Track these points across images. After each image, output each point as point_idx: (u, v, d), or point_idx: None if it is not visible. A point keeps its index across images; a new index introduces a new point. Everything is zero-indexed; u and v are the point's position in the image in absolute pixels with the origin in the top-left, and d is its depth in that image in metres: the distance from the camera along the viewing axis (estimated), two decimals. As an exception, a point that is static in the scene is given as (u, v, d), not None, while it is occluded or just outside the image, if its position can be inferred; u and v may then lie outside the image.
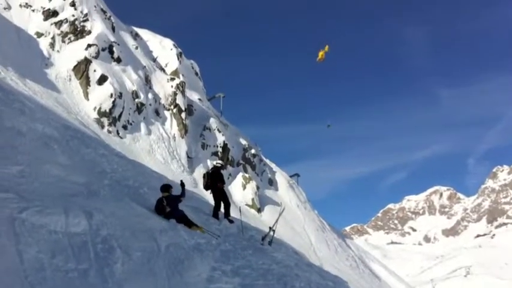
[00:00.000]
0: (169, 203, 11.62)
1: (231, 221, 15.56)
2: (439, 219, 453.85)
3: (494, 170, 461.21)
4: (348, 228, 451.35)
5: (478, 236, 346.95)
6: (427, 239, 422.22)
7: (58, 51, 49.26)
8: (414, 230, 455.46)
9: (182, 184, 12.67)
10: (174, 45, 73.52)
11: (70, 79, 46.82)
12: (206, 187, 16.09)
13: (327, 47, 51.28)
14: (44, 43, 48.68)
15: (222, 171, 16.42)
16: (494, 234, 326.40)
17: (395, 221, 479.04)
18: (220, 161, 17.06)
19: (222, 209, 16.17)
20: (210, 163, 53.26)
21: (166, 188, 12.06)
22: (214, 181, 15.82)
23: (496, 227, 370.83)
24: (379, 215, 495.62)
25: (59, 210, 6.50)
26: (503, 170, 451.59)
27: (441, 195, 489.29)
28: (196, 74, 78.56)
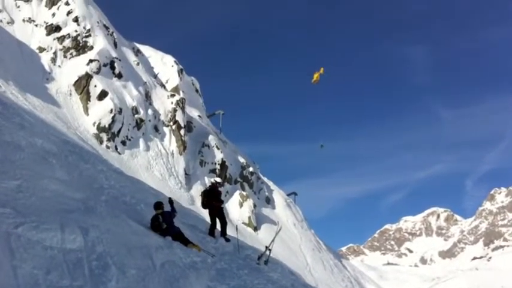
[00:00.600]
0: (165, 219, 11.65)
1: (227, 240, 15.49)
2: (436, 241, 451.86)
3: (492, 192, 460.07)
4: (344, 249, 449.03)
5: (474, 258, 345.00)
6: (423, 261, 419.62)
7: (59, 66, 49.48)
8: (411, 251, 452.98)
9: (171, 201, 12.67)
10: (175, 61, 73.84)
11: (70, 94, 46.95)
12: (203, 205, 16.02)
13: (322, 69, 52.02)
14: (45, 58, 48.92)
15: (219, 189, 16.34)
16: (490, 257, 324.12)
17: (392, 242, 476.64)
18: (218, 179, 16.98)
19: (219, 227, 16.09)
20: (208, 180, 53.18)
21: (159, 205, 12.09)
22: (211, 199, 15.76)
23: (493, 250, 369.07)
24: (376, 235, 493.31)
25: (55, 226, 6.51)
26: (500, 192, 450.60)
27: (438, 216, 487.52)
28: (197, 90, 78.78)
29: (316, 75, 52.48)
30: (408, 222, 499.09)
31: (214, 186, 16.21)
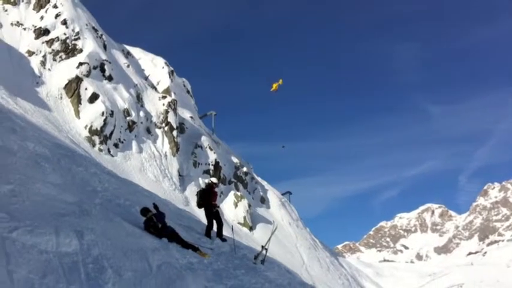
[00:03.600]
0: (159, 219, 11.66)
1: (223, 240, 15.44)
2: (431, 237, 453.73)
3: (485, 187, 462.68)
4: (340, 246, 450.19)
5: (469, 253, 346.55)
6: (419, 257, 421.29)
7: (49, 69, 49.23)
8: (406, 248, 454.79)
9: (155, 206, 12.61)
10: (165, 63, 73.71)
11: (61, 97, 46.74)
12: (199, 205, 15.95)
13: (281, 80, 54.25)
14: (35, 61, 48.66)
15: (215, 189, 16.26)
16: (485, 252, 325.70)
17: (388, 239, 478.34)
18: (214, 179, 16.88)
19: (215, 228, 16.02)
20: (202, 181, 53.15)
21: (146, 210, 12.03)
22: (207, 199, 15.70)
23: (488, 245, 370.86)
24: (371, 232, 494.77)
25: (50, 230, 6.45)
26: (494, 188, 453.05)
27: (433, 212, 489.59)
28: (188, 92, 78.72)
29: (275, 85, 54.89)
30: (403, 219, 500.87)
31: (210, 187, 16.14)
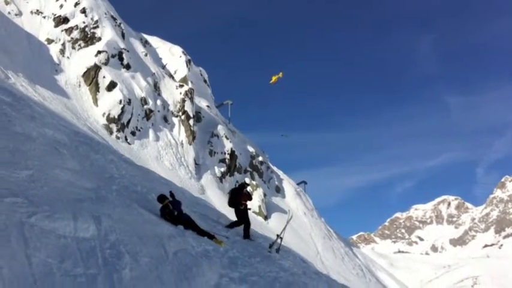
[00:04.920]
0: (175, 207, 11.72)
1: (248, 239, 15.23)
2: (447, 229, 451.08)
3: (502, 179, 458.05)
4: (354, 237, 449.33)
5: (485, 246, 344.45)
6: (434, 249, 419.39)
7: (68, 57, 49.60)
8: (421, 239, 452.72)
9: (172, 194, 12.65)
10: (183, 52, 73.87)
11: (80, 85, 47.11)
12: (229, 204, 15.83)
13: (281, 73, 55.29)
14: (54, 49, 49.05)
15: (246, 190, 16.03)
16: (502, 245, 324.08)
17: (403, 230, 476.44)
18: (247, 179, 16.72)
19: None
20: (218, 170, 53.37)
21: (163, 197, 12.10)
22: (238, 199, 15.56)
23: (504, 237, 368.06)
24: (386, 223, 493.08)
25: (68, 215, 6.52)
26: (511, 180, 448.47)
27: (449, 204, 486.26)
28: (205, 81, 78.82)
29: (274, 78, 56.16)
30: (419, 210, 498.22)
31: (241, 187, 15.96)
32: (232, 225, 15.67)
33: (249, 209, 15.87)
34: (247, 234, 15.34)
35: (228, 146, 58.39)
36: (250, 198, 15.87)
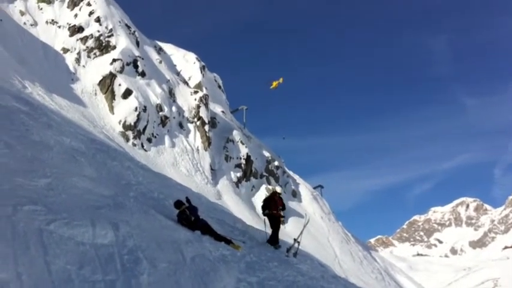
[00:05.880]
0: (192, 212, 11.78)
1: (276, 248, 15.06)
2: (466, 231, 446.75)
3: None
4: (372, 240, 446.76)
5: (505, 247, 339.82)
6: (453, 251, 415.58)
7: (84, 66, 50.08)
8: (440, 242, 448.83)
9: (188, 200, 12.67)
10: (197, 58, 74.17)
11: (95, 93, 47.51)
12: (263, 213, 15.69)
13: (281, 79, 56.13)
14: (70, 58, 49.57)
15: (277, 198, 15.80)
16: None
17: (421, 233, 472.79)
18: (278, 188, 16.49)
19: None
20: (234, 175, 53.48)
21: (180, 203, 12.14)
22: (270, 207, 15.43)
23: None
24: (405, 226, 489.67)
25: (86, 222, 6.57)
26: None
27: (468, 206, 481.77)
28: (219, 86, 79.04)
29: (275, 83, 57.04)
30: (437, 212, 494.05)
31: (273, 195, 15.81)
32: (272, 240, 15.34)
33: (283, 216, 15.67)
34: (276, 240, 15.16)
35: (244, 151, 58.46)
36: (283, 206, 15.65)
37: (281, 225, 15.40)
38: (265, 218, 16.05)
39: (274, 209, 15.26)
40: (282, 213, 15.45)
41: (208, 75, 76.26)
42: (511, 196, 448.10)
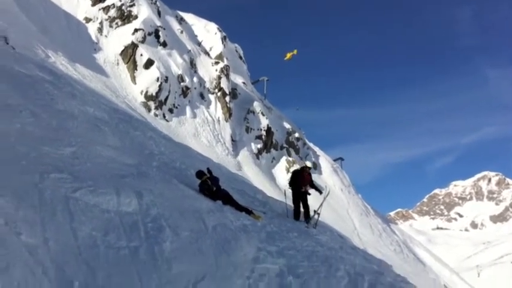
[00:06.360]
0: (213, 182, 11.90)
1: (308, 222, 15.03)
2: (487, 205, 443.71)
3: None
4: (392, 213, 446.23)
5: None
6: (474, 225, 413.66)
7: (106, 36, 50.16)
8: (461, 216, 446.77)
9: (209, 171, 12.75)
10: (218, 29, 73.74)
11: (118, 63, 47.67)
12: (289, 185, 15.55)
13: (295, 50, 56.18)
14: (92, 28, 49.63)
15: (307, 173, 15.55)
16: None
17: (442, 207, 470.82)
18: (308, 163, 16.24)
19: (302, 209, 15.60)
20: (254, 146, 53.63)
21: (201, 173, 12.24)
22: (297, 181, 15.25)
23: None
24: (425, 200, 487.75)
25: (111, 190, 6.71)
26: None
27: (489, 180, 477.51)
28: (240, 57, 78.64)
29: (289, 55, 56.95)
30: (458, 186, 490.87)
31: (302, 170, 15.60)
32: (296, 213, 15.09)
33: (309, 194, 15.52)
34: (306, 214, 15.12)
35: (264, 122, 58.43)
36: (311, 183, 15.28)
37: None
38: (286, 190, 16.02)
39: (303, 184, 15.12)
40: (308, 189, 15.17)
41: (230, 46, 75.87)
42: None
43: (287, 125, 64.24)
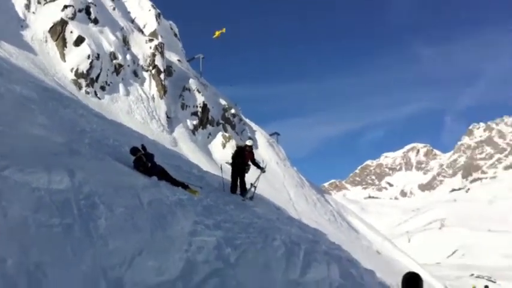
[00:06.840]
0: (148, 159, 11.86)
1: (244, 195, 15.32)
2: (416, 175, 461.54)
3: (470, 127, 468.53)
4: (326, 184, 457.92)
5: (453, 190, 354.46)
6: (403, 194, 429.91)
7: (34, 12, 48.16)
8: (391, 185, 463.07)
9: (143, 147, 12.72)
10: (152, 5, 72.36)
11: (46, 41, 46.00)
12: (232, 159, 15.83)
13: (224, 29, 57.92)
14: (19, 4, 47.51)
15: (247, 151, 15.87)
16: (469, 189, 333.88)
17: (373, 177, 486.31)
18: (249, 142, 16.50)
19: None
20: (190, 123, 53.46)
21: (136, 150, 12.19)
22: (239, 158, 15.57)
23: (471, 182, 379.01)
24: (357, 171, 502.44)
25: (41, 168, 6.55)
26: (479, 128, 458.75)
27: (418, 151, 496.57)
28: (175, 35, 77.56)
29: (217, 33, 58.53)
30: (388, 158, 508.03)
31: (243, 148, 15.95)
32: (234, 188, 15.57)
33: (248, 165, 15.90)
34: (243, 188, 15.46)
35: (200, 99, 58.16)
36: (253, 161, 16.01)
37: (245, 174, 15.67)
38: (222, 164, 16.22)
39: (244, 160, 15.50)
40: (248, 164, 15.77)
41: (164, 23, 74.61)
42: (460, 142, 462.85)
43: (223, 102, 64.22)
